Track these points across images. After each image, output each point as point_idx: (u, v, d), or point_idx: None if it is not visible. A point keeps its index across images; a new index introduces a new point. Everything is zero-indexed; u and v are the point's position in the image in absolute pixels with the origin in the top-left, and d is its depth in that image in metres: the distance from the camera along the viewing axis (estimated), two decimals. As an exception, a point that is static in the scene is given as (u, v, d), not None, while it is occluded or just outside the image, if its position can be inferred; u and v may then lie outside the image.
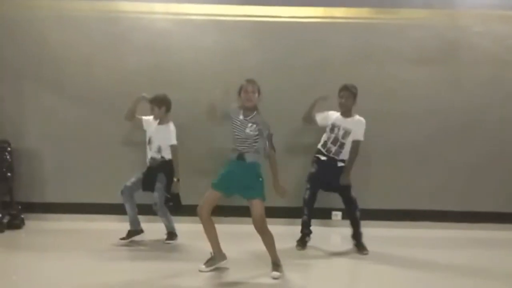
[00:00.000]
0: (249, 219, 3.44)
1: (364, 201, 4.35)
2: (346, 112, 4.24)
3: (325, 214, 4.97)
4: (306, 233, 4.31)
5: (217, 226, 3.60)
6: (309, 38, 4.93)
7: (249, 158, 3.52)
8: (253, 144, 3.52)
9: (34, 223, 4.84)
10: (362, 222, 4.26)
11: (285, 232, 4.21)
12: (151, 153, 4.41)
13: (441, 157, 5.01)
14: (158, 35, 4.92)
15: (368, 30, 4.93)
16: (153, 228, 4.47)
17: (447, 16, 4.94)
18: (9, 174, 4.74)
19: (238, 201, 3.60)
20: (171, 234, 4.41)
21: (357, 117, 4.25)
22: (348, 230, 4.29)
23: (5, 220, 4.61)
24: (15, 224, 4.67)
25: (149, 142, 4.43)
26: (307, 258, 4.08)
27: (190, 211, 4.06)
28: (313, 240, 4.36)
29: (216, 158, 4.92)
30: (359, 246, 4.20)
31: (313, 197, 4.28)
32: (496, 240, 4.72)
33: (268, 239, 3.52)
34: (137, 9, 4.89)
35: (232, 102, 3.64)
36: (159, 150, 4.37)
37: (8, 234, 4.55)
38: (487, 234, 4.87)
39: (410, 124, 4.96)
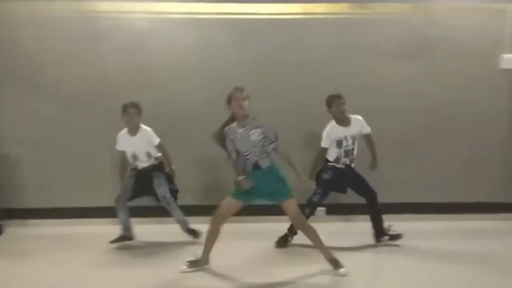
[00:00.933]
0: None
1: (353, 196, 4.34)
2: (345, 121, 4.18)
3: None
4: (294, 232, 4.26)
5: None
6: (290, 35, 4.94)
7: (264, 163, 3.48)
8: (262, 148, 3.46)
9: (14, 230, 4.74)
10: (353, 217, 4.26)
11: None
12: (142, 164, 4.30)
13: (422, 150, 5.05)
14: (139, 35, 4.87)
15: (348, 26, 4.96)
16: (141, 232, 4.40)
17: (423, 10, 5.01)
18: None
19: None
20: (193, 231, 4.32)
21: (352, 119, 4.21)
22: (332, 226, 4.28)
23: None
24: (-5, 230, 4.54)
25: (135, 157, 4.28)
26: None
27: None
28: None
29: (196, 159, 4.93)
30: (393, 236, 4.21)
31: (322, 202, 4.28)
32: (483, 230, 4.75)
33: (311, 233, 3.54)
34: (117, 8, 4.84)
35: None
36: (149, 156, 4.29)
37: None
38: (475, 225, 4.89)
39: (391, 119, 4.99)
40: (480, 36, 5.07)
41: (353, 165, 4.26)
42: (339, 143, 4.19)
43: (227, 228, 3.67)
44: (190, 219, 4.41)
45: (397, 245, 4.17)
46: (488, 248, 4.23)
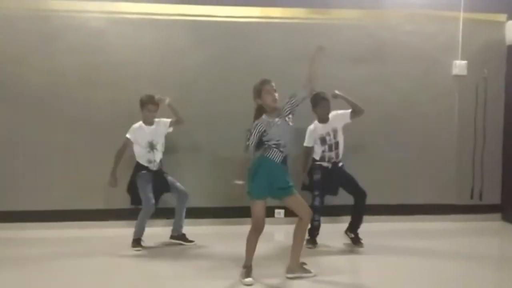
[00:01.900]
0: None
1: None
2: (326, 118, 4.31)
3: (267, 212, 4.95)
4: (315, 234, 4.35)
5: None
6: (246, 38, 4.96)
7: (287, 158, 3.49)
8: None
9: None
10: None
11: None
12: (157, 156, 4.25)
13: (374, 152, 5.15)
14: (92, 35, 4.79)
15: (304, 30, 5.02)
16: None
17: (377, 16, 5.12)
18: None
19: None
20: (183, 236, 4.33)
21: (331, 114, 4.31)
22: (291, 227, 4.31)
23: None
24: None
25: (151, 146, 4.23)
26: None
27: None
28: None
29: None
30: (357, 240, 4.28)
31: (323, 203, 4.33)
32: (430, 231, 4.90)
33: (305, 233, 3.57)
34: (69, 7, 4.74)
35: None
36: (163, 147, 4.32)
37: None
38: (423, 226, 5.05)
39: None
40: (432, 43, 5.22)
41: (341, 164, 4.35)
42: (323, 140, 4.31)
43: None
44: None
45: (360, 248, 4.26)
46: (440, 247, 4.37)
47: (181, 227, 4.33)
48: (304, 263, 3.62)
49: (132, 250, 4.12)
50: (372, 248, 4.25)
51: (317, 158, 4.37)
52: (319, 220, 4.34)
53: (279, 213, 5.04)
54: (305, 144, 4.42)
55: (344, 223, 4.49)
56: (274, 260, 3.93)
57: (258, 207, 3.41)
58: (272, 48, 4.98)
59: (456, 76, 5.25)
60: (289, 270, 3.53)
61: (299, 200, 3.49)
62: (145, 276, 3.60)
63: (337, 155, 4.33)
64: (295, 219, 4.85)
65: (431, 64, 5.23)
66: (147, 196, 4.13)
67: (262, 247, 4.07)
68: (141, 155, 4.26)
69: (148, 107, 4.17)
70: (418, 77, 5.21)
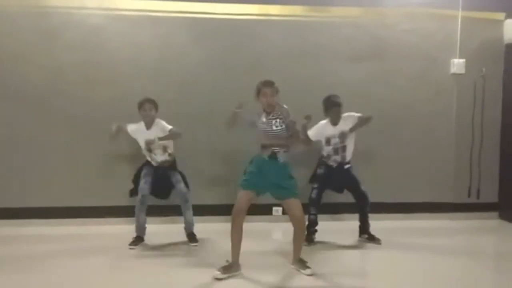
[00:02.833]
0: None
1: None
2: (337, 122, 4.30)
3: (265, 210, 5.00)
4: (312, 231, 4.34)
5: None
6: (245, 36, 4.96)
7: (282, 157, 3.49)
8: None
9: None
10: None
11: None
12: (159, 158, 4.25)
13: (373, 150, 5.13)
14: (91, 32, 4.78)
15: (302, 28, 5.03)
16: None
17: (377, 14, 5.13)
18: None
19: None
20: (194, 236, 4.32)
21: (342, 117, 4.30)
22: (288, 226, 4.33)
23: None
24: None
25: (149, 150, 4.24)
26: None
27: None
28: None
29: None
30: (372, 238, 4.36)
31: (320, 196, 4.34)
32: (428, 229, 4.91)
33: (302, 235, 3.59)
34: (68, 4, 4.74)
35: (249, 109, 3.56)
36: (165, 150, 4.25)
37: None
38: (422, 224, 5.07)
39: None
40: (431, 41, 5.22)
41: (347, 166, 4.35)
42: (327, 141, 4.31)
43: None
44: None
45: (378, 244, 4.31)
46: (438, 245, 4.39)
47: (189, 225, 4.33)
48: (305, 261, 3.64)
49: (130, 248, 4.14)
50: (370, 246, 4.28)
51: (324, 155, 4.39)
52: (315, 214, 4.33)
53: (277, 210, 5.05)
54: (309, 132, 4.37)
55: (344, 220, 4.51)
56: (271, 258, 3.94)
57: (241, 196, 3.47)
58: (270, 45, 4.98)
59: (454, 74, 5.26)
60: (292, 261, 3.65)
61: (295, 205, 3.47)
62: (142, 274, 3.59)
63: (343, 157, 4.32)
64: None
65: (429, 62, 5.23)
66: (140, 187, 4.19)
67: (260, 245, 4.11)
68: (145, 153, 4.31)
69: (144, 106, 4.16)
70: (416, 75, 5.21)
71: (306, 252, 3.80)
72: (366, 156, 5.08)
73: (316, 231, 4.38)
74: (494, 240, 4.83)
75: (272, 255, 4.03)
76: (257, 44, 4.97)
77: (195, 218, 4.38)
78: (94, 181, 4.83)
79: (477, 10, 5.22)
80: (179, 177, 4.31)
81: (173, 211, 4.58)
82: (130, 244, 4.15)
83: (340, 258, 4.02)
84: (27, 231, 4.58)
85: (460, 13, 5.19)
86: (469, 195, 5.36)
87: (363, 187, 4.35)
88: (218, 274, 3.41)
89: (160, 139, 4.14)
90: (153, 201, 4.35)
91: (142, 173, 4.27)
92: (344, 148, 4.30)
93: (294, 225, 3.50)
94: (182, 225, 4.37)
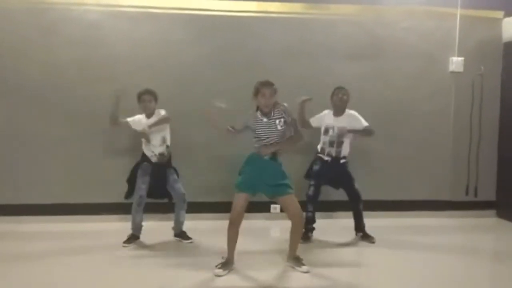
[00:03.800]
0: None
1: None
2: (340, 111, 4.29)
3: (263, 208, 5.00)
4: (309, 228, 4.33)
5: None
6: (243, 33, 4.96)
7: (279, 157, 3.50)
8: (281, 138, 3.49)
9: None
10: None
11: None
12: (157, 149, 4.18)
13: (370, 148, 5.10)
14: (90, 28, 4.78)
15: (301, 25, 5.03)
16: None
17: (375, 12, 5.13)
18: None
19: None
20: (184, 234, 4.31)
21: (348, 112, 4.31)
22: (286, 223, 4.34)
23: None
24: None
25: (148, 139, 4.17)
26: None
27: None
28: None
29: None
30: (366, 236, 4.35)
31: (317, 193, 4.33)
32: (425, 227, 4.92)
33: (300, 231, 3.57)
34: (66, 0, 4.73)
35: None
36: (163, 141, 4.19)
37: None
38: (419, 222, 5.08)
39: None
40: (429, 39, 5.22)
41: (342, 161, 4.32)
42: (325, 130, 4.31)
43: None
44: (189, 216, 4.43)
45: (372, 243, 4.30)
46: (435, 243, 4.40)
47: (180, 225, 4.32)
48: (301, 259, 3.63)
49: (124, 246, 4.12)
50: (368, 244, 4.28)
51: (319, 149, 4.38)
52: (312, 212, 4.32)
53: (275, 208, 5.05)
54: (311, 118, 4.40)
55: (339, 218, 4.51)
56: (269, 256, 3.94)
57: (238, 199, 3.45)
58: (269, 42, 4.98)
59: (453, 72, 5.27)
60: (287, 258, 3.66)
61: (291, 202, 3.47)
62: (138, 272, 3.59)
63: (338, 152, 4.30)
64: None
65: (428, 61, 5.24)
66: (138, 187, 4.15)
67: (257, 243, 4.10)
68: (143, 145, 4.26)
69: (143, 97, 4.14)
70: (414, 73, 5.22)
71: (301, 250, 3.78)
72: (364, 154, 5.07)
73: (313, 228, 4.38)
74: (492, 238, 4.83)
75: (270, 253, 4.02)
76: (256, 41, 4.97)
77: (191, 216, 4.39)
78: (91, 178, 4.82)
79: (475, 8, 5.22)
80: (175, 176, 4.27)
81: (170, 208, 4.55)
82: (124, 242, 4.12)
83: (336, 256, 4.02)
84: (22, 228, 4.58)
85: (458, 11, 5.20)
86: (466, 193, 5.37)
87: (357, 185, 4.34)
88: (219, 271, 3.43)
89: (150, 126, 4.10)
90: (149, 198, 4.31)
91: (139, 173, 4.19)
92: (340, 143, 4.29)
93: (292, 222, 3.51)
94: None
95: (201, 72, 4.92)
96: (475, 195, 5.37)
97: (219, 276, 3.40)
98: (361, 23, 5.10)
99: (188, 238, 4.29)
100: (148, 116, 4.20)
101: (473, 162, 5.38)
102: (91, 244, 4.16)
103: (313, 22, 5.05)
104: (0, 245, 4.13)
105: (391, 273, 3.61)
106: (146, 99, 4.14)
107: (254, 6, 4.95)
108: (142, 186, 4.15)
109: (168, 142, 4.26)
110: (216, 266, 3.48)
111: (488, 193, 5.41)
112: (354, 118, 4.30)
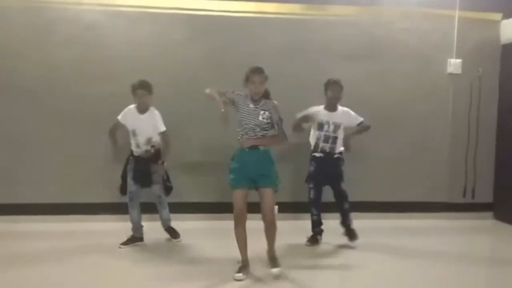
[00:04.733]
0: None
1: (298, 194, 4.40)
2: (333, 106, 4.25)
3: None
4: (317, 231, 4.30)
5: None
6: (241, 33, 4.95)
7: (262, 147, 3.43)
8: (264, 131, 3.43)
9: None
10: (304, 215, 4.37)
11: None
12: (142, 147, 4.07)
13: (367, 150, 5.08)
14: (87, 27, 4.76)
15: (299, 26, 5.03)
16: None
17: (373, 13, 5.13)
18: None
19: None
20: (173, 230, 4.29)
21: (341, 108, 4.28)
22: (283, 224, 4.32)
23: None
24: None
25: (134, 134, 4.07)
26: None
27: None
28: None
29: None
30: (349, 233, 4.24)
31: (318, 195, 4.29)
32: (422, 229, 4.91)
33: (274, 230, 3.45)
34: (63, -1, 4.73)
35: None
36: (149, 142, 4.06)
37: None
38: (416, 223, 5.06)
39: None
40: (427, 41, 5.23)
41: (336, 156, 4.27)
42: (320, 126, 4.24)
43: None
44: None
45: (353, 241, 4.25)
46: (432, 244, 4.39)
47: (166, 222, 4.29)
48: (276, 259, 3.55)
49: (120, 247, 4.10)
50: (364, 245, 4.25)
51: (312, 146, 4.32)
52: (317, 215, 4.28)
53: (275, 208, 5.02)
54: (296, 115, 4.29)
55: (334, 219, 4.47)
56: (265, 256, 3.90)
57: (236, 196, 3.39)
58: (266, 43, 4.97)
59: (451, 74, 5.27)
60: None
61: (267, 196, 3.39)
62: (136, 272, 3.58)
63: (332, 148, 4.26)
64: (289, 215, 4.90)
65: (426, 62, 5.24)
66: (128, 182, 4.12)
67: (256, 243, 4.06)
68: (130, 138, 4.18)
69: (137, 92, 4.00)
70: (412, 74, 5.22)
71: (302, 252, 3.75)
72: (361, 155, 5.06)
73: (322, 231, 4.32)
74: (489, 240, 4.83)
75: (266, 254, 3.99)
76: (254, 41, 4.96)
77: (186, 216, 4.41)
78: (88, 178, 4.81)
79: (474, 10, 5.23)
80: (156, 177, 4.12)
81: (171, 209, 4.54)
82: (121, 244, 4.09)
83: (330, 257, 4.02)
84: (18, 228, 4.56)
85: (457, 13, 5.20)
86: (464, 195, 5.37)
87: (344, 185, 4.28)
88: (239, 275, 3.37)
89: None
90: (146, 198, 4.29)
91: (128, 168, 4.15)
92: (335, 139, 4.25)
93: (263, 218, 3.41)
94: (178, 222, 4.36)
95: (199, 72, 4.90)
96: (473, 197, 5.37)
97: (239, 280, 3.34)
98: (359, 24, 5.10)
99: (176, 236, 4.27)
100: (141, 111, 4.08)
101: (471, 163, 5.38)
102: (88, 244, 4.14)
103: (311, 23, 5.04)
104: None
105: (387, 275, 3.59)
106: (140, 95, 4.01)
107: (252, 6, 4.95)
108: (130, 181, 4.10)
109: (155, 143, 4.12)
110: (236, 271, 3.41)
111: (486, 195, 5.41)
112: (349, 115, 4.29)
